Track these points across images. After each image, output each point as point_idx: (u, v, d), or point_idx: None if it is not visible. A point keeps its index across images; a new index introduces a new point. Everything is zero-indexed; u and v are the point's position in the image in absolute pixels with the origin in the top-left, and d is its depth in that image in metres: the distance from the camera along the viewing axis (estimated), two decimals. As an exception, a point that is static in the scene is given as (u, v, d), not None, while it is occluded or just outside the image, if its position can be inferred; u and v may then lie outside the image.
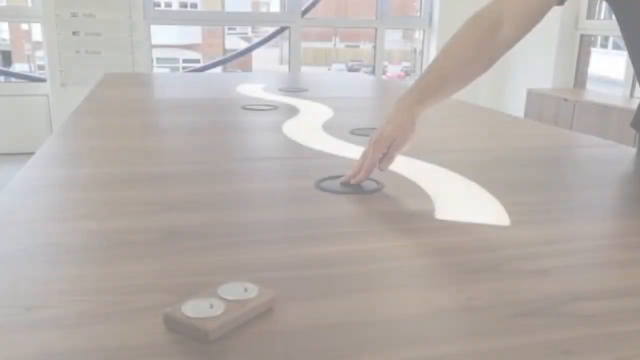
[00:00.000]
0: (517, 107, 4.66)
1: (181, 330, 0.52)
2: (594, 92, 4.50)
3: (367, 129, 1.50)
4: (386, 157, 1.02)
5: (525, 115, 4.41)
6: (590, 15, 4.52)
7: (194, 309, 0.54)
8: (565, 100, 4.12)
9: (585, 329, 0.56)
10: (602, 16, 4.62)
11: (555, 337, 0.54)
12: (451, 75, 1.09)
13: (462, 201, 0.97)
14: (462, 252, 0.75)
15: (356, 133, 1.48)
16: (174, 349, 0.51)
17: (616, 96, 4.32)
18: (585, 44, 4.61)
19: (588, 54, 4.67)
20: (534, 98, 4.43)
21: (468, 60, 1.08)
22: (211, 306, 0.54)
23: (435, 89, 1.09)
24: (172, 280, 0.64)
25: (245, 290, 0.58)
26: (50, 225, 0.80)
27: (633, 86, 4.27)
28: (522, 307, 0.60)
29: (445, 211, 0.90)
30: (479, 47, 1.09)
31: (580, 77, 4.65)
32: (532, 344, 0.53)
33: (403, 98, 1.08)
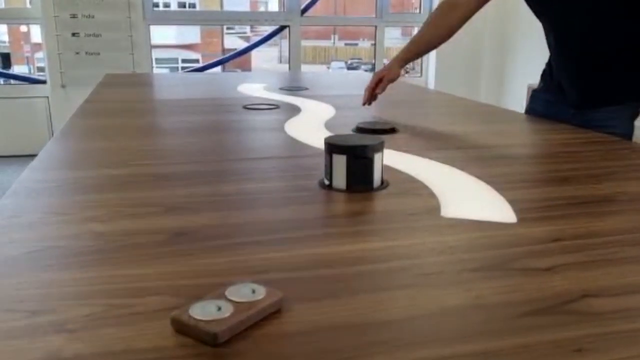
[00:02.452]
0: (517, 103, 4.65)
1: (189, 333, 0.52)
2: (595, 87, 4.49)
3: (370, 125, 1.49)
4: (380, 85, 1.71)
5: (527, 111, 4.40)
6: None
7: (202, 311, 0.53)
8: (566, 95, 4.10)
9: (596, 327, 0.55)
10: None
11: (566, 336, 0.53)
12: (423, 43, 1.75)
13: (468, 198, 0.97)
14: (469, 250, 0.74)
15: (359, 131, 1.47)
16: (182, 352, 0.50)
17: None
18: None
19: (588, 49, 4.66)
20: (535, 94, 4.41)
21: (433, 34, 1.71)
22: (219, 308, 0.54)
23: (413, 51, 1.75)
24: (179, 283, 0.63)
25: (253, 291, 0.57)
26: (54, 228, 0.80)
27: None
28: (532, 305, 0.59)
29: (451, 209, 0.89)
30: (440, 24, 1.70)
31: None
32: (543, 342, 0.52)
33: (395, 56, 1.76)
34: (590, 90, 1.58)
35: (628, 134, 1.54)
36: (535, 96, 1.80)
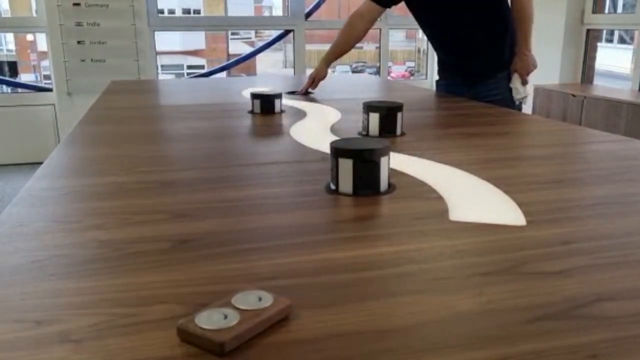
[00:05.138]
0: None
1: (195, 342, 0.51)
2: (602, 87, 4.46)
3: (379, 102, 1.48)
4: (313, 84, 2.31)
5: (534, 111, 4.38)
6: (596, 9, 4.48)
7: (208, 320, 0.52)
8: (574, 95, 4.08)
9: (610, 332, 0.54)
10: (606, 10, 4.58)
11: (579, 341, 0.52)
12: (339, 49, 2.33)
13: (476, 201, 0.96)
14: (478, 254, 0.73)
15: (367, 108, 1.46)
16: (188, 362, 0.49)
17: (624, 90, 4.28)
18: (591, 38, 4.57)
19: (595, 48, 4.63)
20: (542, 94, 4.39)
21: (345, 41, 2.31)
22: (225, 317, 0.53)
23: (332, 54, 2.33)
24: (185, 291, 0.63)
25: (260, 299, 0.56)
26: (59, 237, 0.80)
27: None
28: (543, 309, 0.58)
29: (459, 212, 0.88)
30: (349, 33, 2.29)
31: (587, 72, 4.61)
32: (556, 348, 0.51)
33: (322, 58, 2.36)
34: (469, 70, 2.19)
35: (509, 97, 2.13)
36: (438, 85, 2.39)
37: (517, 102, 2.20)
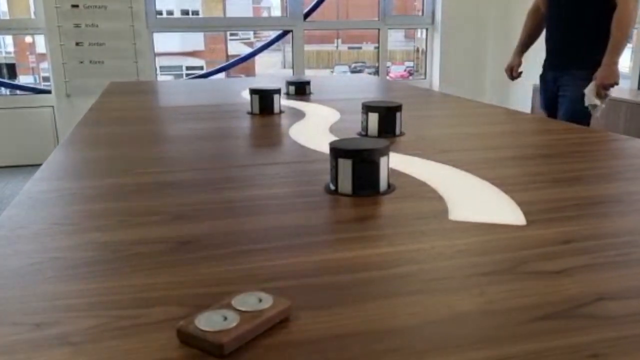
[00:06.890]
0: (523, 102, 4.63)
1: (195, 344, 0.51)
2: (600, 85, 4.45)
3: (377, 102, 1.47)
4: (513, 73, 2.81)
5: (532, 110, 4.38)
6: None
7: (208, 321, 0.52)
8: (572, 94, 4.07)
9: (611, 331, 0.54)
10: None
11: (580, 340, 0.52)
12: (526, 39, 2.77)
13: (476, 201, 0.95)
14: (479, 254, 0.73)
15: (366, 108, 1.45)
16: (188, 364, 0.49)
17: (623, 89, 4.28)
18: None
19: (593, 47, 4.62)
20: (541, 94, 4.38)
21: (528, 34, 2.76)
22: (225, 318, 0.53)
23: (525, 47, 2.77)
24: (184, 292, 0.63)
25: (260, 300, 0.56)
26: (58, 239, 0.79)
27: (640, 79, 4.23)
28: (544, 309, 0.58)
29: (459, 212, 0.88)
30: (530, 26, 2.73)
31: (586, 71, 4.60)
32: (556, 347, 0.51)
33: (514, 52, 2.79)
34: (556, 52, 2.55)
35: (576, 98, 2.38)
36: (540, 79, 2.68)
37: (589, 108, 2.30)
